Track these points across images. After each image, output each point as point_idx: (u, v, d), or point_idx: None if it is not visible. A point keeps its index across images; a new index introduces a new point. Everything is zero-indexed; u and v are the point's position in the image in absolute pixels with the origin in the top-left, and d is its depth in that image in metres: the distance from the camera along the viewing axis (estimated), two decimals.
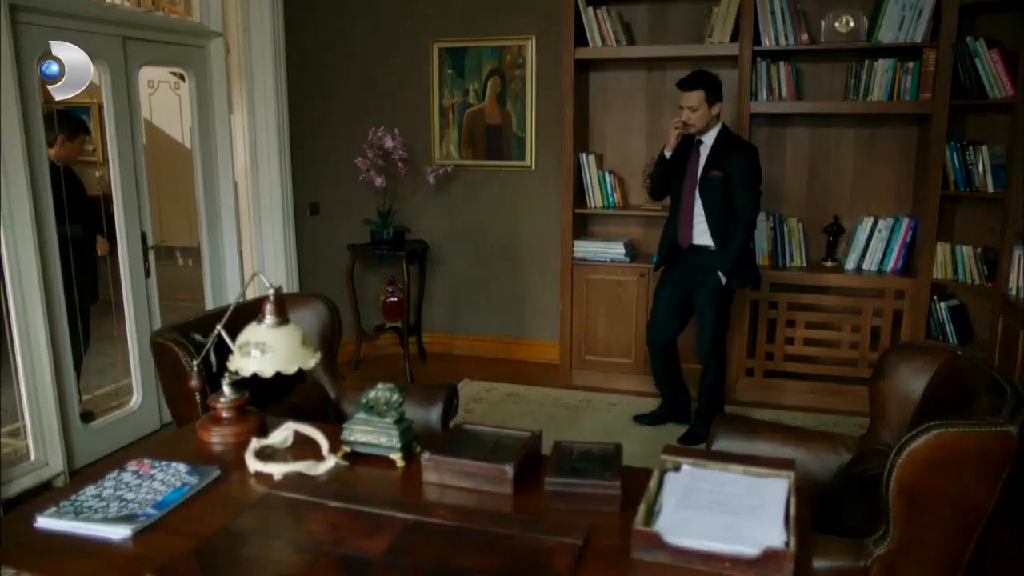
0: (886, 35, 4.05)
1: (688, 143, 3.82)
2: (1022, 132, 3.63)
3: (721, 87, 3.76)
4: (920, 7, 3.97)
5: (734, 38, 4.23)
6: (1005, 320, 3.69)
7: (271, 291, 1.94)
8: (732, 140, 3.82)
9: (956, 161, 4.02)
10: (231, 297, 4.21)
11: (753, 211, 3.76)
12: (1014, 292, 3.68)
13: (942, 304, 4.17)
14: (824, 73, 4.41)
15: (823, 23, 4.17)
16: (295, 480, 1.81)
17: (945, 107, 3.97)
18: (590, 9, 4.40)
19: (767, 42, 4.20)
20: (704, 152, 3.79)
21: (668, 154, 3.84)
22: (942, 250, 4.13)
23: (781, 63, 4.26)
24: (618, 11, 4.48)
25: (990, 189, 3.95)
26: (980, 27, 4.02)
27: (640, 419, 4.19)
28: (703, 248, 3.82)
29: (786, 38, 4.18)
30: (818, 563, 1.72)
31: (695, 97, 3.68)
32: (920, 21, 3.99)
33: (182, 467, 1.84)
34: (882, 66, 4.12)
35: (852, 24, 4.11)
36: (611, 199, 4.72)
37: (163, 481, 1.78)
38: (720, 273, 3.73)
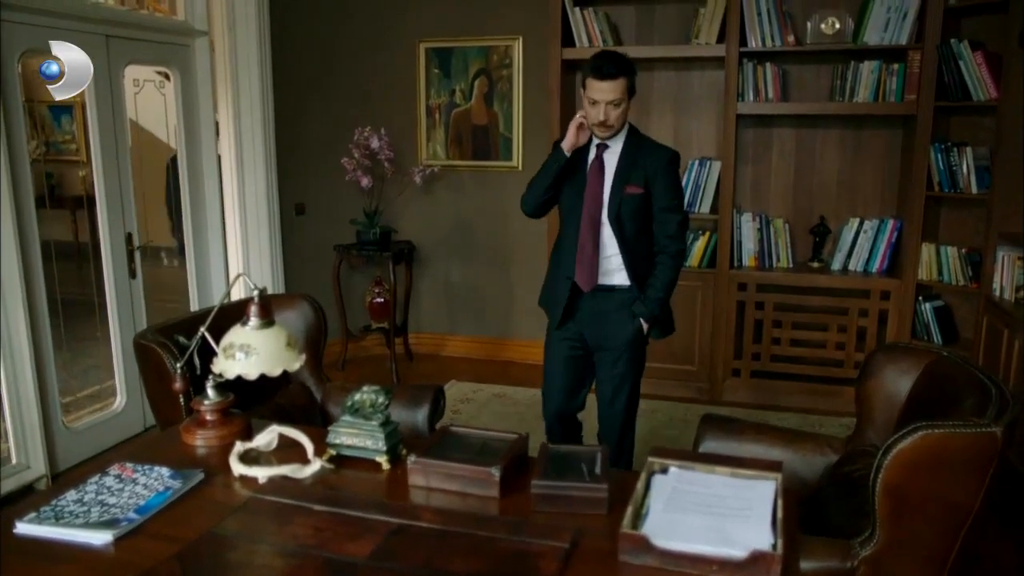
0: (871, 37, 4.08)
1: (579, 149, 2.76)
2: (1005, 134, 3.66)
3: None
4: (905, 9, 4.00)
5: (720, 39, 4.24)
6: (989, 320, 3.72)
7: (256, 292, 1.93)
8: (649, 144, 2.80)
9: (940, 162, 4.05)
10: (216, 298, 4.18)
11: (685, 240, 2.86)
12: (998, 293, 3.71)
13: (927, 305, 4.20)
14: (810, 74, 4.43)
15: (809, 24, 4.19)
16: (280, 483, 1.79)
17: (930, 109, 4.00)
18: (577, 9, 4.40)
19: (753, 43, 4.21)
20: (612, 161, 2.76)
21: (568, 150, 2.74)
22: (927, 251, 4.16)
23: (767, 64, 4.27)
24: (605, 11, 4.48)
25: (974, 190, 3.97)
26: (964, 29, 4.05)
27: None
28: (615, 289, 2.82)
29: (772, 39, 4.19)
30: (805, 564, 1.73)
31: (619, 87, 2.61)
32: (905, 23, 4.01)
33: (165, 471, 1.82)
34: (867, 67, 4.14)
35: (838, 26, 4.13)
36: None
37: (146, 485, 1.75)
38: (643, 320, 2.80)
